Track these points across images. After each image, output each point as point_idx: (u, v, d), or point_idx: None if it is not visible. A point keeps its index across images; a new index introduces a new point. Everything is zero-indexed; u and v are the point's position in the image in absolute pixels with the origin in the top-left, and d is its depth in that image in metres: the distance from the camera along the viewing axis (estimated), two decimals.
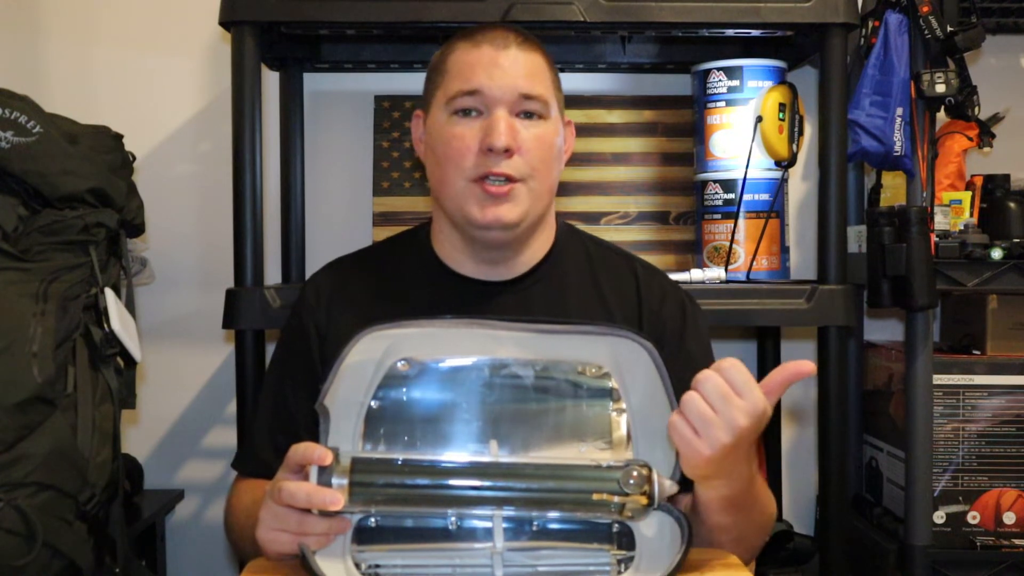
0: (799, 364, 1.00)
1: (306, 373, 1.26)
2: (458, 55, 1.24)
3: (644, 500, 1.00)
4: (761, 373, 2.05)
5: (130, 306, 1.52)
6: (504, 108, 1.21)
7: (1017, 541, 1.77)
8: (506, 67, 1.21)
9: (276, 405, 1.28)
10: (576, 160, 1.90)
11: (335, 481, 0.99)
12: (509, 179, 1.20)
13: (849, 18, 1.60)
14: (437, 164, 1.25)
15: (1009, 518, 1.79)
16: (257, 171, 1.59)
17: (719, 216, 1.79)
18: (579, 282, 1.31)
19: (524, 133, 1.22)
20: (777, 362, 2.05)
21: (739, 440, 0.98)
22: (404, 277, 1.31)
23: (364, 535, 1.03)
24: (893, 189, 1.91)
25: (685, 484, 1.05)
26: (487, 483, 1.01)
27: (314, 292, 1.32)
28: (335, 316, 1.27)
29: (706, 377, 0.98)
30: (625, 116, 1.95)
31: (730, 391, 0.97)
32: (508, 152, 1.20)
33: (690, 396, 0.98)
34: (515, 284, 1.29)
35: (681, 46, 1.97)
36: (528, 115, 1.23)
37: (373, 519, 1.04)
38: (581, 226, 1.43)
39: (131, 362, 1.48)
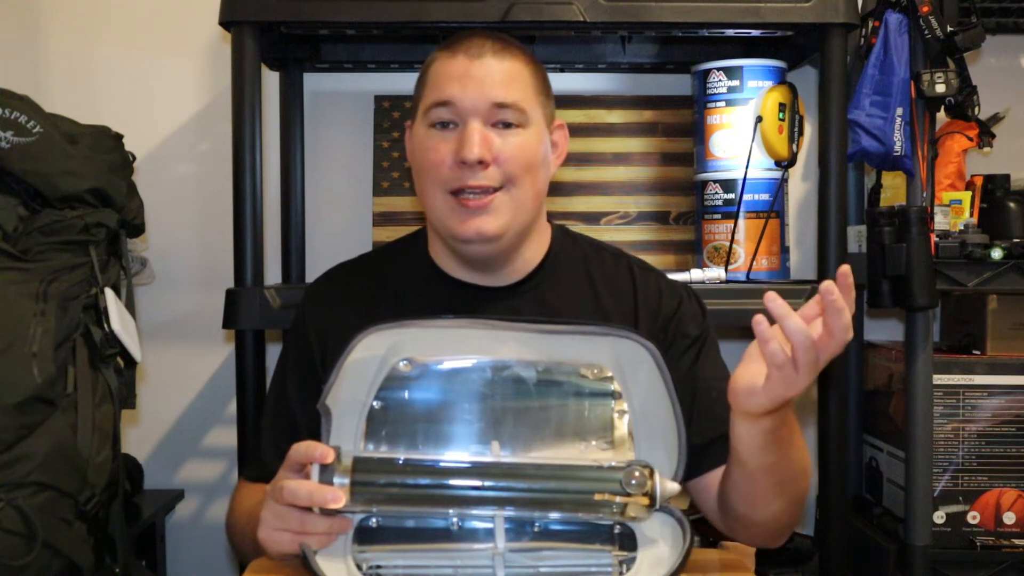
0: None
1: (308, 378, 1.25)
2: (435, 66, 1.23)
3: (646, 501, 1.00)
4: None
5: (130, 306, 1.52)
6: (478, 119, 1.19)
7: (1017, 541, 1.77)
8: (479, 77, 1.19)
9: (280, 411, 1.28)
10: (576, 160, 1.90)
11: (336, 480, 0.99)
12: (487, 191, 1.19)
13: (849, 18, 1.60)
14: (418, 176, 1.25)
15: (1009, 518, 1.79)
16: (257, 171, 1.59)
17: (719, 216, 1.79)
18: (575, 286, 1.30)
19: (500, 143, 1.20)
20: None
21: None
22: (402, 282, 1.31)
23: (365, 535, 1.03)
24: (893, 189, 1.91)
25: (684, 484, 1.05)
26: (488, 483, 1.01)
27: (314, 298, 1.32)
28: (335, 321, 1.26)
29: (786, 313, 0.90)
30: (625, 116, 1.96)
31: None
32: (483, 164, 1.18)
33: (796, 323, 0.90)
34: (510, 290, 1.28)
35: (681, 46, 1.97)
36: (506, 124, 1.20)
37: (374, 519, 1.04)
38: (580, 227, 1.43)
39: (131, 362, 1.48)
